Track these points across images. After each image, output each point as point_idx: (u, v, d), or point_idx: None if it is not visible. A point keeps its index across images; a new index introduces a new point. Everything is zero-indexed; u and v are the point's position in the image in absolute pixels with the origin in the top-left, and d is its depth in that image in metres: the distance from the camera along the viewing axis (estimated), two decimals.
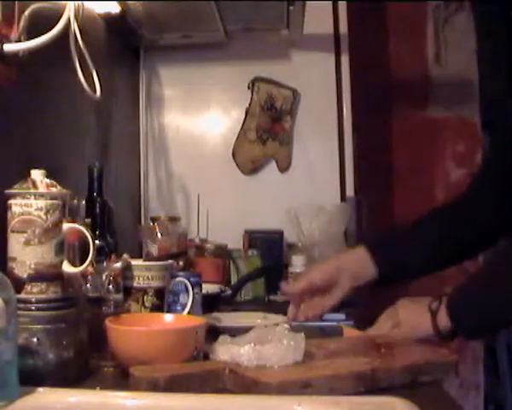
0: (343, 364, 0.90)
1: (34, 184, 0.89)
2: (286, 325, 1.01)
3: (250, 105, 2.12)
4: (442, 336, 1.02)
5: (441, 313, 1.02)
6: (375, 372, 0.86)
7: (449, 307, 1.02)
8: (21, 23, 1.13)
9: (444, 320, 1.01)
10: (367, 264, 1.17)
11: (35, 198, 0.88)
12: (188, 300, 1.17)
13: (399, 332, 1.06)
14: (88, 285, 1.02)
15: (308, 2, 1.77)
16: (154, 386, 0.82)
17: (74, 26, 1.21)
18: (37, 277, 0.88)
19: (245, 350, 0.89)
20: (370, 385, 0.84)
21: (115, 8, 1.71)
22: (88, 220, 1.22)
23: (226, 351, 0.91)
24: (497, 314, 1.01)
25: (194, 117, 2.18)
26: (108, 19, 1.74)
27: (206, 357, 0.95)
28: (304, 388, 0.81)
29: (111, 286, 1.02)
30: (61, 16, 1.15)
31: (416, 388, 0.86)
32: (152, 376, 0.83)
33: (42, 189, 0.89)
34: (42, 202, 0.88)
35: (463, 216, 1.19)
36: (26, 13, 1.14)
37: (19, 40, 1.12)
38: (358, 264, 1.18)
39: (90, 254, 0.91)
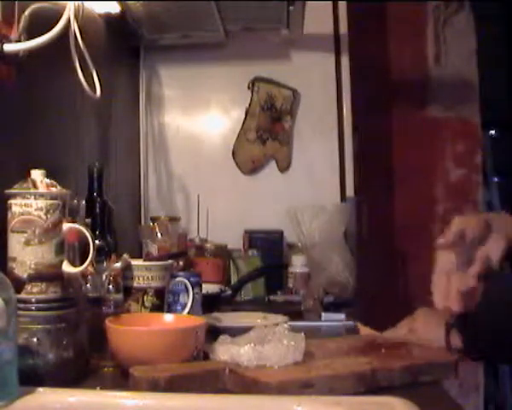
0: (343, 364, 0.90)
1: (34, 184, 0.89)
2: (286, 325, 1.00)
3: (250, 105, 2.12)
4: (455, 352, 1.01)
5: (454, 332, 1.01)
6: (375, 372, 0.86)
7: (461, 331, 1.01)
8: (21, 23, 1.13)
9: (456, 340, 1.01)
10: None
11: (35, 198, 0.88)
12: (188, 300, 1.17)
13: (414, 337, 1.05)
14: (88, 285, 1.02)
15: (308, 2, 1.77)
16: (154, 386, 0.82)
17: (74, 26, 1.21)
18: (37, 277, 0.88)
19: (245, 350, 0.89)
20: (370, 385, 0.84)
21: (115, 8, 1.71)
22: (88, 220, 1.22)
23: (226, 351, 0.91)
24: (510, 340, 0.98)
25: (194, 117, 2.18)
26: (108, 19, 1.74)
27: (206, 357, 0.95)
28: (304, 388, 0.81)
29: (111, 286, 1.02)
30: (61, 16, 1.15)
31: (416, 388, 0.86)
32: (152, 376, 0.83)
33: (42, 189, 0.89)
34: (42, 202, 0.88)
35: None
36: (26, 13, 1.14)
37: (19, 40, 1.12)
38: None
39: (90, 254, 0.91)
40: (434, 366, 0.93)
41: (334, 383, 0.83)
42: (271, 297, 1.74)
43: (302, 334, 0.94)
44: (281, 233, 1.99)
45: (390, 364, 0.90)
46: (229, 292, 1.67)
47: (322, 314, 1.43)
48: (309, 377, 0.83)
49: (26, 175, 0.91)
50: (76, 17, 1.20)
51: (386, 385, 0.85)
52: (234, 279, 1.83)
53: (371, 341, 1.06)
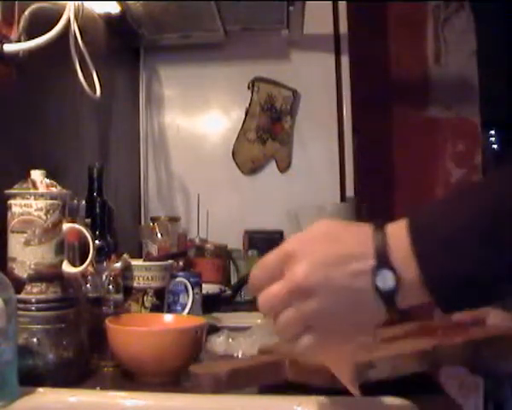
0: (404, 345, 0.87)
1: (34, 185, 0.89)
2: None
3: (250, 105, 2.13)
4: None
5: None
6: (437, 348, 0.83)
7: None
8: (21, 23, 1.13)
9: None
10: None
11: (35, 198, 0.88)
12: (188, 300, 1.18)
13: None
14: (88, 285, 1.02)
15: (308, 2, 1.77)
16: (217, 382, 0.81)
17: (74, 26, 1.21)
18: (37, 277, 0.88)
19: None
20: (432, 363, 0.82)
21: (115, 8, 1.71)
22: (88, 220, 1.22)
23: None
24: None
25: (195, 117, 2.18)
26: (108, 19, 1.74)
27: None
28: (367, 368, 0.79)
29: (111, 286, 1.02)
30: (61, 16, 1.15)
31: (416, 388, 0.86)
32: (214, 371, 0.82)
33: (42, 189, 0.89)
34: (42, 203, 0.88)
35: None
36: (26, 13, 1.14)
37: (19, 40, 1.12)
38: None
39: (90, 254, 0.91)
40: (495, 339, 0.89)
41: (396, 362, 0.80)
42: None
43: None
44: (281, 233, 1.99)
45: (452, 340, 0.86)
46: (229, 292, 1.67)
47: None
48: (371, 358, 0.81)
49: (26, 175, 0.91)
50: (76, 17, 1.20)
51: (448, 363, 0.84)
52: (234, 279, 1.83)
53: (427, 325, 1.03)
